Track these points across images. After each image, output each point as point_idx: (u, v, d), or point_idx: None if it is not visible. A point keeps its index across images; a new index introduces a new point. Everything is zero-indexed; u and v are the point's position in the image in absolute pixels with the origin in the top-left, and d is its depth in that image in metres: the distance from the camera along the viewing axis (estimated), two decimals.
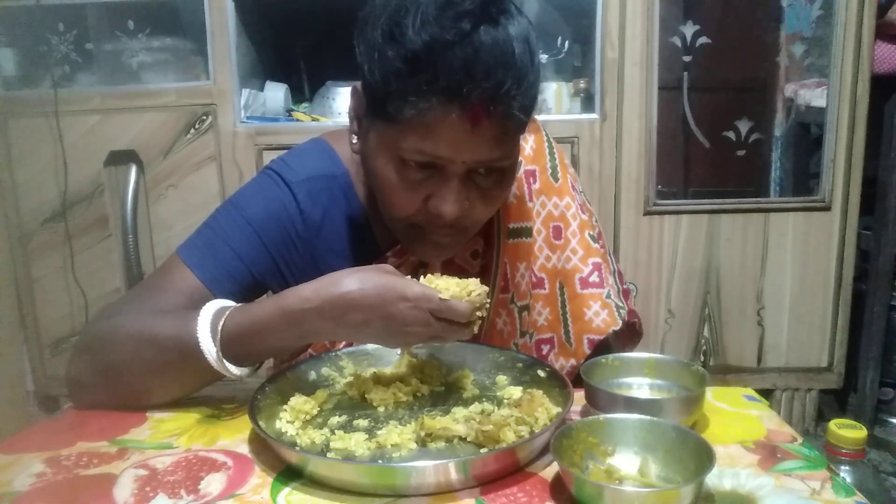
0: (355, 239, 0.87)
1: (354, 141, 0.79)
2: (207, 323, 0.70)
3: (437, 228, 0.75)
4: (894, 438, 1.98)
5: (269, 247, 0.82)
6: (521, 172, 0.89)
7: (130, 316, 0.76)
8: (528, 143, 0.91)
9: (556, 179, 0.92)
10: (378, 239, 0.88)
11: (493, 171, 0.73)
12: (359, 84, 0.75)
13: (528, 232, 0.90)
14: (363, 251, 0.87)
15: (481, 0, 0.66)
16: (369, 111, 0.73)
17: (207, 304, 0.73)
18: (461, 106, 0.65)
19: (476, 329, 0.70)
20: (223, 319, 0.70)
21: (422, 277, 0.69)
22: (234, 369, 0.71)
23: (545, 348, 0.92)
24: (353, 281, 0.67)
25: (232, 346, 0.70)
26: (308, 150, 0.88)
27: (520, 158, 0.88)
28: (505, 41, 0.66)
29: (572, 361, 0.90)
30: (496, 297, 0.89)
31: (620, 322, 0.90)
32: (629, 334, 0.97)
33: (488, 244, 0.89)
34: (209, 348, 0.70)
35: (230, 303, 0.75)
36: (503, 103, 0.66)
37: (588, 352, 0.89)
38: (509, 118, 0.68)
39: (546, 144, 0.92)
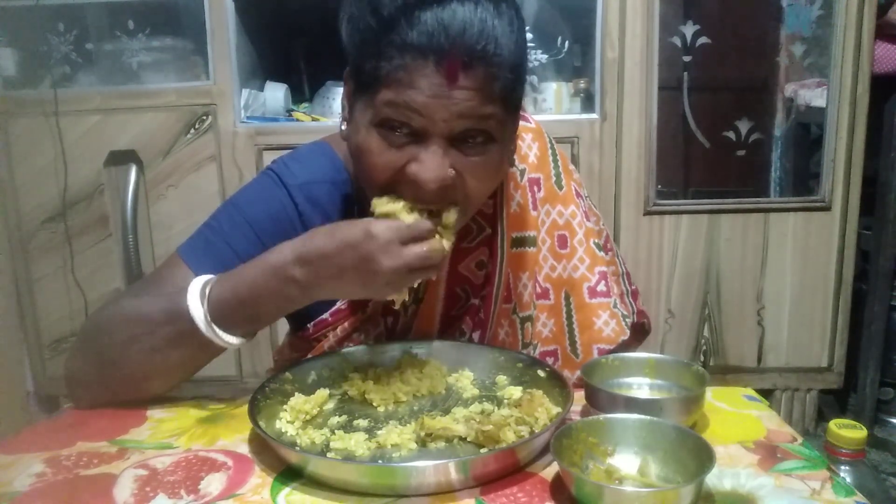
0: None
1: (344, 127, 0.77)
2: (197, 291, 0.71)
3: (419, 199, 0.71)
4: (894, 438, 1.98)
5: (268, 247, 0.81)
6: (524, 180, 0.89)
7: (118, 304, 0.77)
8: (531, 151, 0.90)
9: (561, 188, 0.91)
10: None
11: (477, 139, 0.70)
12: (347, 70, 0.75)
13: (532, 241, 0.89)
14: None
15: None
16: (354, 88, 0.73)
17: (197, 277, 0.73)
18: (437, 61, 0.65)
19: (447, 245, 0.72)
20: (210, 284, 0.72)
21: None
22: (224, 335, 0.71)
23: (549, 361, 0.90)
24: (322, 232, 0.70)
25: (221, 308, 0.71)
26: (310, 154, 0.87)
27: (523, 165, 0.88)
28: (484, 6, 0.66)
29: (578, 373, 0.88)
30: (499, 308, 0.88)
31: (628, 332, 0.89)
32: (638, 333, 0.96)
33: (493, 254, 0.88)
34: (198, 314, 0.70)
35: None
36: (481, 60, 0.66)
37: None
38: (490, 78, 0.67)
39: (550, 151, 0.91)
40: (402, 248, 0.68)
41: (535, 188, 0.90)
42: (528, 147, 0.90)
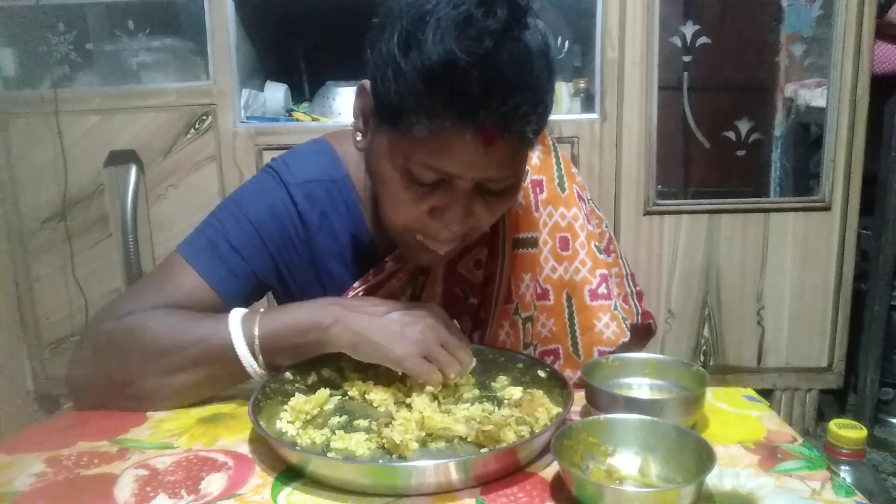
0: (354, 242, 0.86)
1: (359, 138, 0.77)
2: (238, 325, 0.73)
3: (436, 238, 0.75)
4: (894, 438, 1.98)
5: (269, 245, 0.82)
6: (527, 182, 0.89)
7: (144, 317, 0.75)
8: (534, 153, 0.90)
9: (563, 190, 0.91)
10: (377, 243, 0.87)
11: (498, 187, 0.72)
12: (367, 83, 0.73)
13: (533, 242, 0.89)
14: (362, 255, 0.87)
15: (506, 18, 0.62)
16: (378, 114, 0.71)
17: (233, 311, 0.75)
18: (476, 128, 0.64)
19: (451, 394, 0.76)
20: (257, 318, 0.74)
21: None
22: (257, 367, 0.74)
23: (549, 360, 0.91)
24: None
25: (267, 343, 0.73)
26: (309, 152, 0.88)
27: (526, 168, 0.87)
28: (525, 59, 0.64)
29: (580, 373, 0.87)
30: (499, 308, 0.88)
31: (628, 334, 0.89)
32: (644, 334, 0.97)
33: (492, 254, 0.88)
34: (244, 352, 0.73)
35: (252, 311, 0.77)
36: (518, 125, 0.65)
37: None
38: (523, 139, 0.67)
39: (553, 154, 0.92)
40: (444, 330, 0.74)
41: (538, 190, 0.90)
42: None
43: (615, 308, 0.90)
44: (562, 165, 0.92)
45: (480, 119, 0.63)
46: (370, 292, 0.85)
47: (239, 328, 0.73)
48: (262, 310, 0.76)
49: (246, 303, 0.83)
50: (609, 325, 0.89)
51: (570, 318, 0.89)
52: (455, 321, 0.76)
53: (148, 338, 0.73)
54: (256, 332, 0.73)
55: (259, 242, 0.81)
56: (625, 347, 0.90)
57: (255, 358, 0.73)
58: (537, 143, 0.88)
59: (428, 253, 0.77)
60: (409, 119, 0.65)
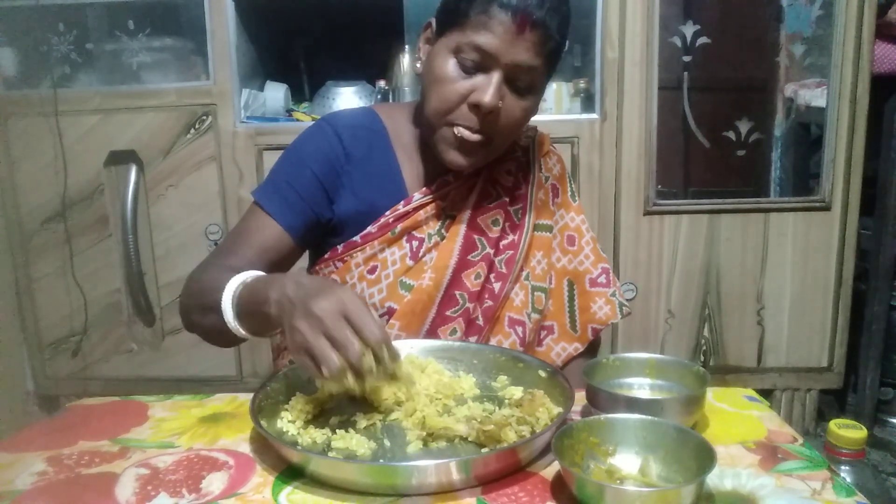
0: (388, 179, 1.00)
1: (418, 65, 0.97)
2: (234, 284, 0.78)
3: (469, 127, 0.89)
4: (894, 438, 1.98)
5: (321, 178, 0.96)
6: (548, 184, 1.06)
7: (202, 268, 0.91)
8: (556, 167, 1.08)
9: (575, 200, 1.08)
10: (408, 185, 1.00)
11: (524, 83, 0.89)
12: (432, 20, 0.94)
13: (548, 228, 1.04)
14: (394, 190, 0.99)
15: None
16: (439, 23, 0.92)
17: (243, 273, 0.80)
18: (513, 13, 0.84)
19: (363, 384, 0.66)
20: (248, 280, 0.78)
21: None
22: (241, 329, 0.77)
23: (543, 333, 1.03)
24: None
25: (239, 305, 0.77)
26: (355, 110, 1.07)
27: (548, 174, 1.06)
28: None
29: (576, 345, 1.03)
30: (515, 273, 0.99)
31: (619, 317, 1.04)
32: (594, 349, 1.09)
33: (509, 223, 1.01)
34: (227, 309, 0.77)
35: (262, 274, 0.81)
36: (542, 22, 0.85)
37: (591, 338, 1.03)
38: (546, 34, 0.86)
39: (567, 174, 1.10)
40: (344, 322, 0.64)
41: (555, 193, 1.07)
42: (554, 164, 1.08)
43: (612, 294, 1.04)
44: (573, 184, 1.10)
45: (515, 7, 0.84)
46: (398, 220, 0.97)
47: (232, 288, 0.78)
48: (247, 281, 0.78)
49: (308, 236, 0.97)
50: (603, 307, 1.03)
51: (571, 300, 1.05)
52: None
53: (193, 284, 0.89)
54: (236, 294, 0.77)
55: (312, 178, 0.96)
56: (574, 359, 1.03)
57: (234, 315, 0.77)
58: (557, 162, 1.08)
59: (455, 152, 0.91)
60: (464, 9, 0.87)
